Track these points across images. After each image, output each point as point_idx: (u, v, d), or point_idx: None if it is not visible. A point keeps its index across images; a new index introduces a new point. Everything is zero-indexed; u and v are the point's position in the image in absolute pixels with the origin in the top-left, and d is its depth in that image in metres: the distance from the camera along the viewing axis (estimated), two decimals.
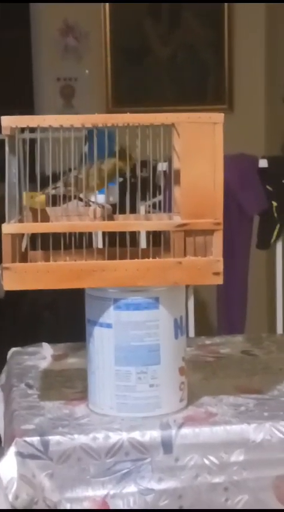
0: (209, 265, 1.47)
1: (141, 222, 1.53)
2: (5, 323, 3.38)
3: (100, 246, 1.57)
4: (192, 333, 3.03)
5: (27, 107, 4.58)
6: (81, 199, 1.61)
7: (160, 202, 1.60)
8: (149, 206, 1.66)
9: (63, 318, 3.38)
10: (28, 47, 4.74)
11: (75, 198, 1.60)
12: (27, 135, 1.50)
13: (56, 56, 4.71)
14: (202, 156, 1.46)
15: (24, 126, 1.46)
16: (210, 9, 4.73)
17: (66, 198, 1.58)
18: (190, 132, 1.46)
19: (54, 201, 1.59)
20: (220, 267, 1.47)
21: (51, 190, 1.58)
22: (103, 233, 1.54)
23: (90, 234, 1.56)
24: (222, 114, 1.47)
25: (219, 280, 1.48)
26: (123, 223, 1.52)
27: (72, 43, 4.72)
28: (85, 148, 1.62)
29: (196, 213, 1.47)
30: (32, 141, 1.50)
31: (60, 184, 1.57)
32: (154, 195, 1.62)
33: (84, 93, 4.74)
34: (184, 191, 1.47)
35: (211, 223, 1.47)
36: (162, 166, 1.56)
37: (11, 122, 1.44)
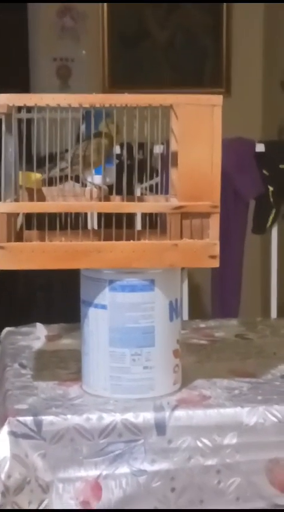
0: (205, 248, 1.47)
1: (137, 204, 1.52)
2: None
3: (95, 227, 1.57)
4: (186, 316, 3.03)
5: (23, 87, 4.55)
6: (77, 180, 1.60)
7: (157, 184, 1.59)
8: (145, 188, 1.65)
9: (56, 298, 3.38)
10: (25, 27, 4.71)
11: (71, 178, 1.59)
12: (23, 115, 1.49)
13: (52, 36, 4.69)
14: (200, 138, 1.45)
15: (21, 104, 1.44)
16: None
17: (63, 178, 1.57)
18: (188, 114, 1.45)
19: (51, 181, 1.58)
20: (216, 250, 1.47)
21: (47, 171, 1.57)
22: (99, 214, 1.53)
23: (86, 214, 1.55)
24: (221, 96, 1.46)
25: (215, 264, 1.47)
26: (120, 204, 1.52)
27: (69, 23, 4.69)
28: (83, 128, 1.61)
29: (193, 195, 1.46)
30: (28, 121, 1.49)
31: (57, 164, 1.57)
32: (151, 177, 1.61)
33: (80, 74, 4.72)
34: (181, 173, 1.46)
35: (208, 206, 1.46)
36: (159, 149, 1.54)
37: (7, 100, 1.43)
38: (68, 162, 1.55)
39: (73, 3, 4.64)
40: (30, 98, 1.44)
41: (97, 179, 1.55)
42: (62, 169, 1.59)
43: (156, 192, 1.57)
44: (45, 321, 1.96)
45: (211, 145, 1.46)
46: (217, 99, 1.46)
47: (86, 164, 1.53)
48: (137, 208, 1.51)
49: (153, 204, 1.53)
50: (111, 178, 1.57)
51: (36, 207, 1.48)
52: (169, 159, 1.53)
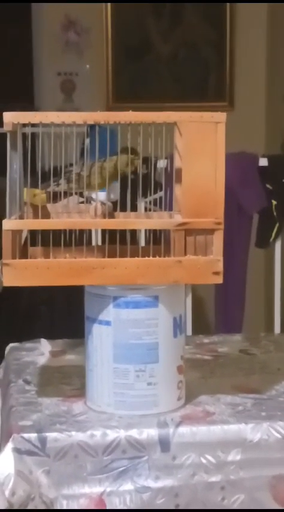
0: (209, 265, 1.47)
1: (141, 221, 1.53)
2: (2, 318, 3.38)
3: (99, 243, 1.57)
4: (189, 330, 3.03)
5: (28, 101, 4.58)
6: (82, 196, 1.61)
7: (160, 199, 1.59)
8: (149, 203, 1.66)
9: (60, 313, 3.38)
10: (29, 41, 4.74)
11: (76, 194, 1.60)
12: (28, 130, 1.50)
13: (57, 51, 4.71)
14: (204, 155, 1.46)
15: (26, 122, 1.45)
16: (212, 7, 4.73)
17: (67, 194, 1.58)
18: (192, 131, 1.46)
19: (55, 197, 1.59)
20: (220, 267, 1.47)
21: (52, 187, 1.58)
22: (104, 230, 1.54)
23: (91, 231, 1.56)
24: (224, 114, 1.47)
25: (219, 280, 1.48)
26: (124, 221, 1.52)
27: (73, 38, 4.72)
28: (87, 142, 1.62)
29: (197, 212, 1.47)
30: (32, 135, 1.50)
31: (61, 180, 1.57)
32: (155, 192, 1.62)
33: (84, 88, 4.75)
34: (185, 190, 1.47)
35: (212, 222, 1.47)
36: (162, 164, 1.55)
37: (13, 117, 1.44)
38: (68, 180, 1.56)
39: (77, 18, 4.67)
40: (35, 115, 1.45)
41: (102, 196, 1.55)
42: (58, 185, 1.59)
43: (160, 207, 1.58)
44: (49, 336, 1.96)
45: (214, 162, 1.47)
46: (221, 116, 1.46)
47: (91, 186, 1.54)
48: (141, 225, 1.52)
49: (157, 220, 1.53)
50: (115, 195, 1.57)
51: (41, 224, 1.49)
52: (172, 175, 1.54)
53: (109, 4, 4.65)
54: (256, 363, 1.78)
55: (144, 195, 1.64)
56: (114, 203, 1.58)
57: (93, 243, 1.55)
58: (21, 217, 1.52)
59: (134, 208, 1.59)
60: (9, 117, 1.44)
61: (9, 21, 4.60)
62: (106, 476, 1.40)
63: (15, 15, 4.59)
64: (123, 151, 1.53)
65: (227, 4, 4.71)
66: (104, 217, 1.53)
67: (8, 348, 1.90)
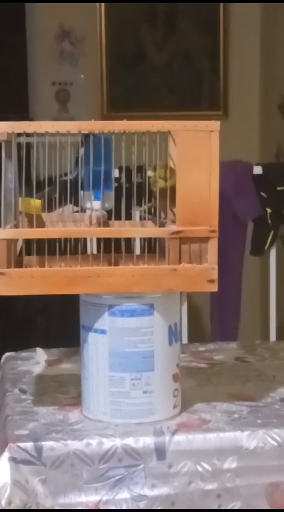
0: (204, 273, 1.47)
1: (136, 229, 1.53)
2: None
3: (94, 251, 1.57)
4: (185, 338, 3.03)
5: (23, 111, 4.58)
6: (76, 205, 1.61)
7: (154, 208, 1.60)
8: (144, 211, 1.66)
9: (56, 322, 3.38)
10: (24, 51, 4.74)
11: (70, 202, 1.60)
12: (22, 139, 1.50)
13: (51, 60, 4.72)
14: (198, 163, 1.46)
15: (21, 131, 1.46)
16: (206, 17, 4.75)
17: (62, 202, 1.58)
18: (186, 140, 1.46)
19: (50, 205, 1.59)
20: (215, 275, 1.48)
21: (46, 193, 1.58)
22: (99, 239, 1.54)
23: (85, 239, 1.56)
24: (218, 122, 1.47)
25: (214, 288, 1.48)
26: (119, 229, 1.53)
27: (67, 48, 4.73)
28: (81, 151, 1.63)
29: (191, 220, 1.47)
30: (27, 144, 1.50)
31: (55, 188, 1.58)
32: (149, 201, 1.62)
33: (79, 98, 4.75)
34: (179, 198, 1.47)
35: (207, 230, 1.47)
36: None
37: (7, 127, 1.45)
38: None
39: (71, 28, 4.68)
40: (29, 125, 1.45)
41: (96, 205, 1.56)
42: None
43: (155, 215, 1.58)
44: (44, 345, 1.96)
45: (209, 170, 1.47)
46: (215, 124, 1.47)
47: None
48: (136, 233, 1.52)
49: (152, 229, 1.54)
50: (110, 204, 1.58)
51: (35, 233, 1.49)
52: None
53: (103, 14, 4.66)
54: (252, 371, 1.78)
55: (139, 204, 1.64)
56: (109, 212, 1.58)
57: (88, 252, 1.55)
58: (16, 226, 1.52)
59: (129, 217, 1.60)
60: (3, 127, 1.44)
61: (3, 30, 4.61)
62: (102, 484, 1.40)
63: (9, 25, 4.60)
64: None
65: (221, 13, 4.73)
66: (99, 226, 1.53)
67: (3, 357, 1.90)
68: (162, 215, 1.54)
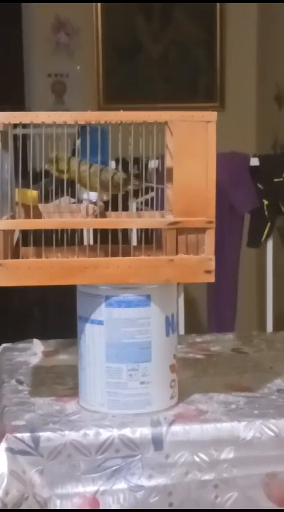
0: (201, 263, 1.47)
1: (133, 220, 1.53)
2: None
3: (91, 243, 1.57)
4: (182, 329, 3.04)
5: (18, 103, 4.57)
6: (73, 196, 1.61)
7: (152, 199, 1.60)
8: (140, 203, 1.66)
9: (52, 313, 3.38)
10: (19, 43, 4.73)
11: (67, 194, 1.60)
12: (19, 131, 1.50)
13: (47, 52, 4.71)
14: (195, 154, 1.46)
15: (17, 122, 1.45)
16: (202, 8, 4.74)
17: (59, 193, 1.58)
18: (183, 131, 1.46)
19: (47, 196, 1.59)
20: (212, 265, 1.48)
21: (43, 184, 1.58)
22: (95, 230, 1.54)
23: (82, 230, 1.56)
24: (215, 113, 1.47)
25: (211, 279, 1.48)
26: (115, 220, 1.53)
27: (63, 39, 4.72)
28: (78, 143, 1.62)
29: (188, 211, 1.47)
30: (23, 137, 1.50)
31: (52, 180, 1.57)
32: (146, 192, 1.62)
33: (75, 90, 4.74)
34: (176, 189, 1.47)
35: (204, 221, 1.47)
36: (154, 164, 1.55)
37: (4, 118, 1.44)
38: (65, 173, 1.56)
39: (67, 19, 4.66)
40: (25, 115, 1.45)
41: (93, 196, 1.55)
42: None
43: (152, 207, 1.58)
44: (41, 336, 1.97)
45: (205, 161, 1.47)
46: (211, 115, 1.47)
47: (82, 183, 1.54)
48: (133, 224, 1.52)
49: (149, 219, 1.54)
50: (107, 195, 1.57)
51: (32, 224, 1.49)
52: (164, 175, 1.54)
53: (99, 5, 4.65)
54: (249, 362, 1.78)
55: (136, 196, 1.64)
56: (106, 203, 1.58)
57: (85, 243, 1.55)
58: (12, 217, 1.52)
59: (125, 208, 1.60)
60: (0, 117, 1.44)
61: None
62: (99, 475, 1.41)
63: (5, 16, 4.58)
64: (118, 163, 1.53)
65: (218, 4, 4.72)
66: (96, 216, 1.53)
67: (0, 349, 1.90)
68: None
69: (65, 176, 1.53)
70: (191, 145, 1.46)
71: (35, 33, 4.70)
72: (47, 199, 1.60)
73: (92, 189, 1.52)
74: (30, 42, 4.73)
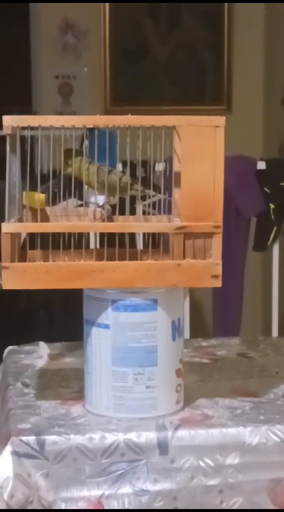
0: (208, 268, 1.47)
1: (140, 224, 1.53)
2: (0, 321, 3.37)
3: (98, 246, 1.57)
4: (187, 333, 3.03)
5: (26, 104, 4.58)
6: (80, 199, 1.61)
7: (159, 202, 1.60)
8: (148, 206, 1.66)
9: (58, 316, 3.38)
10: (27, 44, 4.74)
11: (74, 196, 1.60)
12: (27, 133, 1.50)
13: (54, 54, 4.71)
14: (203, 159, 1.46)
15: (26, 125, 1.46)
16: (210, 10, 4.74)
17: (66, 196, 1.58)
18: (191, 135, 1.46)
19: (53, 198, 1.59)
20: (219, 270, 1.48)
21: (51, 186, 1.58)
22: (102, 234, 1.54)
23: (89, 234, 1.56)
24: (223, 118, 1.47)
25: (218, 283, 1.48)
26: (123, 224, 1.52)
27: (71, 41, 4.72)
28: (86, 143, 1.62)
29: (195, 215, 1.47)
30: (30, 139, 1.50)
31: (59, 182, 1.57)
32: (153, 195, 1.62)
33: (82, 91, 4.75)
34: (184, 194, 1.47)
35: (211, 226, 1.47)
36: (161, 167, 1.55)
37: (12, 121, 1.44)
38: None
39: (75, 21, 4.67)
40: (34, 119, 1.45)
41: (101, 199, 1.55)
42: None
43: (159, 210, 1.58)
44: (47, 339, 1.97)
45: (213, 165, 1.47)
46: (220, 120, 1.47)
47: (90, 184, 1.54)
48: (140, 228, 1.52)
49: (156, 224, 1.53)
50: (114, 198, 1.57)
51: (40, 227, 1.49)
52: (171, 178, 1.54)
53: (107, 7, 4.66)
54: (254, 367, 1.78)
55: (143, 199, 1.64)
56: (113, 206, 1.58)
57: (92, 246, 1.55)
58: (20, 220, 1.52)
59: (133, 211, 1.60)
60: (8, 120, 1.44)
61: (7, 23, 4.61)
62: (104, 479, 1.41)
63: (13, 18, 4.60)
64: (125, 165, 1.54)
65: (225, 7, 4.72)
66: (103, 220, 1.53)
67: (6, 351, 1.90)
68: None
69: (73, 172, 1.53)
70: (199, 150, 1.46)
71: (42, 34, 4.71)
72: (54, 201, 1.60)
73: (99, 190, 1.52)
74: (38, 44, 4.74)
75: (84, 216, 1.58)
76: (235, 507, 1.43)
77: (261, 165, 3.14)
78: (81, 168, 1.54)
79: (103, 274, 1.46)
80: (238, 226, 3.10)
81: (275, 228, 3.14)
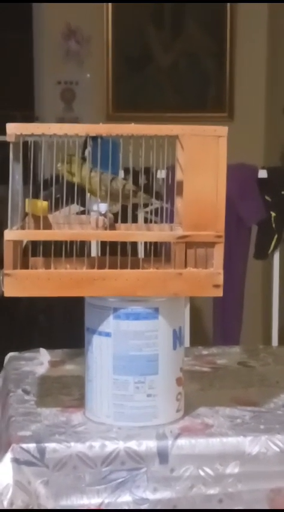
0: (209, 278, 1.48)
1: (142, 233, 1.53)
2: (1, 327, 3.37)
3: (99, 254, 1.58)
4: (187, 340, 3.03)
5: (28, 110, 4.58)
6: (83, 206, 1.61)
7: (160, 210, 1.60)
8: (150, 213, 1.66)
9: (59, 323, 3.38)
10: (30, 50, 4.75)
11: (77, 203, 1.60)
12: (30, 138, 1.50)
13: (57, 59, 4.72)
14: (206, 168, 1.47)
15: (29, 133, 1.46)
16: (212, 18, 4.75)
17: (68, 202, 1.58)
18: (194, 145, 1.46)
19: (56, 204, 1.59)
20: (220, 280, 1.48)
21: (54, 192, 1.58)
22: (104, 242, 1.54)
23: (91, 242, 1.56)
24: (226, 128, 1.47)
25: (219, 293, 1.48)
26: (125, 233, 1.53)
27: (73, 47, 4.73)
28: (88, 150, 1.63)
29: (197, 225, 1.47)
30: (29, 145, 1.50)
31: (61, 188, 1.58)
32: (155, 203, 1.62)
33: (84, 98, 4.75)
34: (186, 203, 1.48)
35: (213, 235, 1.48)
36: (163, 174, 1.56)
37: (15, 129, 1.45)
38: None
39: (78, 27, 4.68)
40: (37, 127, 1.45)
41: (103, 207, 1.56)
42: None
43: (161, 218, 1.58)
44: (47, 345, 1.97)
45: (216, 175, 1.47)
46: (223, 130, 1.47)
47: (92, 192, 1.54)
48: (142, 237, 1.53)
49: (158, 233, 1.54)
50: (117, 207, 1.58)
51: (42, 234, 1.49)
52: (173, 186, 1.54)
53: (110, 13, 4.66)
54: (255, 376, 1.78)
55: (145, 206, 1.64)
56: (115, 214, 1.59)
57: (93, 254, 1.55)
58: (22, 227, 1.53)
59: (135, 219, 1.60)
60: (12, 128, 1.44)
61: (10, 29, 4.61)
62: (104, 487, 1.41)
63: (16, 23, 4.60)
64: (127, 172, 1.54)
65: (228, 14, 4.73)
66: (105, 228, 1.53)
67: (7, 357, 1.90)
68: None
69: (76, 180, 1.53)
70: (202, 159, 1.46)
71: (45, 40, 4.72)
72: (56, 207, 1.61)
73: (102, 197, 1.53)
74: (41, 50, 4.74)
75: (86, 224, 1.58)
76: None
77: (262, 174, 3.14)
78: (83, 176, 1.54)
79: (105, 283, 1.46)
80: (239, 235, 3.10)
81: (276, 236, 3.14)
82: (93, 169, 1.55)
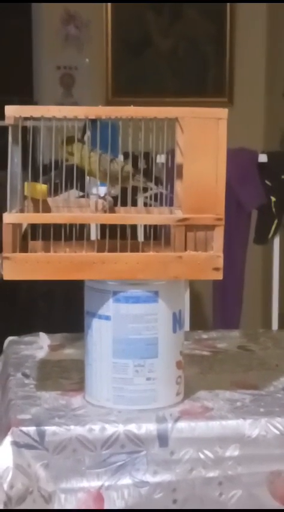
0: (209, 261, 1.47)
1: (142, 216, 1.53)
2: (0, 311, 3.38)
3: (99, 237, 1.57)
4: (187, 325, 3.04)
5: (27, 95, 4.57)
6: (82, 190, 1.61)
7: (159, 194, 1.59)
8: (150, 198, 1.66)
9: (58, 307, 3.38)
10: (29, 35, 4.73)
11: (76, 188, 1.60)
12: (28, 123, 1.50)
13: (56, 44, 4.70)
14: (205, 151, 1.46)
15: (28, 115, 1.45)
16: (212, 2, 4.73)
17: (67, 186, 1.58)
18: (194, 127, 1.46)
19: (55, 189, 1.59)
20: (220, 263, 1.47)
21: (53, 177, 1.58)
22: (104, 225, 1.54)
23: (90, 225, 1.56)
24: (226, 110, 1.47)
25: (219, 276, 1.48)
26: (125, 216, 1.52)
27: (73, 32, 4.71)
28: (89, 134, 1.62)
29: (197, 208, 1.47)
30: (28, 129, 1.50)
31: (60, 173, 1.57)
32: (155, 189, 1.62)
33: (84, 83, 4.74)
34: (186, 186, 1.47)
35: (213, 218, 1.47)
36: (162, 159, 1.55)
37: (14, 111, 1.44)
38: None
39: (77, 12, 4.66)
40: (36, 109, 1.45)
41: (102, 190, 1.55)
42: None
43: (160, 202, 1.58)
44: (47, 330, 1.97)
45: (216, 158, 1.47)
46: (223, 112, 1.46)
47: (92, 173, 1.54)
48: (142, 220, 1.52)
49: (158, 216, 1.53)
50: (116, 190, 1.57)
51: (41, 218, 1.49)
52: (173, 170, 1.54)
53: None
54: (255, 359, 1.78)
55: (144, 190, 1.64)
56: (115, 198, 1.58)
57: (93, 238, 1.55)
58: (21, 211, 1.52)
59: (134, 203, 1.59)
60: (11, 111, 1.43)
61: (9, 14, 4.59)
62: (104, 470, 1.41)
63: (15, 8, 4.58)
64: (126, 156, 1.53)
65: None
66: (105, 212, 1.53)
67: (6, 342, 1.90)
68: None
69: (75, 160, 1.53)
70: (202, 142, 1.46)
71: (44, 25, 4.70)
72: (55, 191, 1.60)
73: (101, 178, 1.52)
74: (40, 35, 4.73)
75: (85, 207, 1.57)
76: (234, 499, 1.43)
77: (262, 158, 3.13)
78: (83, 156, 1.53)
79: (104, 266, 1.45)
80: (238, 219, 3.10)
81: (276, 221, 3.14)
82: (93, 150, 1.55)
